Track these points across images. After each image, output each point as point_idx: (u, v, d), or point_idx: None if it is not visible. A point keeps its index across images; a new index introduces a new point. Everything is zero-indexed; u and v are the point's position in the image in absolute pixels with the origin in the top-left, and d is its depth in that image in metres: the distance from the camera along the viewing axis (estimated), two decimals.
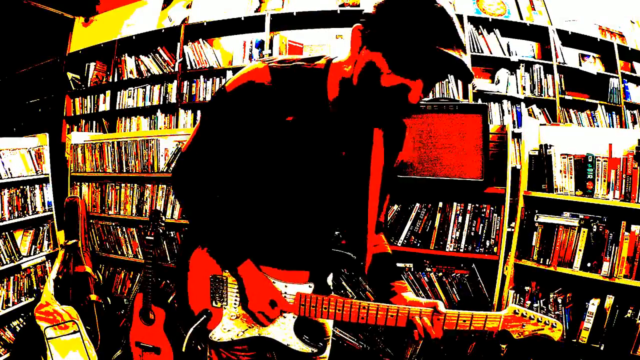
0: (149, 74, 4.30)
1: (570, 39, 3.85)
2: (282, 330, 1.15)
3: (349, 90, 0.97)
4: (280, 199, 1.10)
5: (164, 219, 2.59)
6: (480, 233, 2.24)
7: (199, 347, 2.71)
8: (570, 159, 2.11)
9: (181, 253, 1.23)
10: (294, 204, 1.11)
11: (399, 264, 2.39)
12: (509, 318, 1.08)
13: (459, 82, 3.68)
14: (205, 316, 1.18)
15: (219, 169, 1.10)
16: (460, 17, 3.66)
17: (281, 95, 1.00)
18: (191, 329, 1.17)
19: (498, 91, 3.68)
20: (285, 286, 1.14)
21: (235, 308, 1.17)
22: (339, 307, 1.09)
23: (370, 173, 1.14)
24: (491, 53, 3.70)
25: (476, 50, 3.66)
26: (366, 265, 1.19)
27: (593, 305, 2.00)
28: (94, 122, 4.63)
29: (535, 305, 2.15)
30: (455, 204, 2.28)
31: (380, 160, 1.14)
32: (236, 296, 1.16)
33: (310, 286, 1.13)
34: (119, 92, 4.47)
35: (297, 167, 1.07)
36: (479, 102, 3.56)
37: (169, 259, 2.86)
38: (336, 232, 1.39)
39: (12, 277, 2.87)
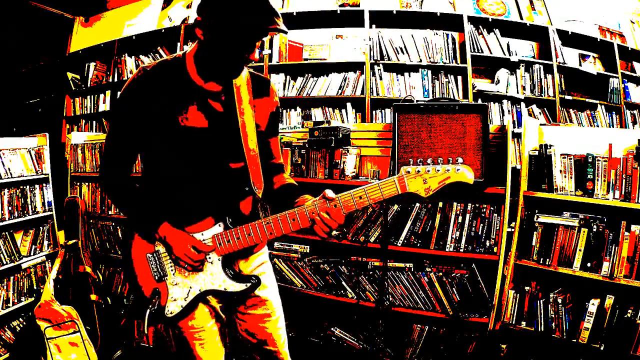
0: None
1: (570, 39, 3.85)
2: (215, 278, 1.30)
3: (200, 62, 1.27)
4: (176, 165, 1.30)
5: None
6: (480, 233, 2.24)
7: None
8: (570, 159, 2.11)
9: (122, 250, 1.39)
10: (188, 163, 1.30)
11: (399, 264, 2.40)
12: (401, 178, 1.19)
13: (459, 82, 3.69)
14: (156, 296, 1.30)
15: (127, 159, 1.36)
16: (460, 17, 3.67)
17: (153, 83, 1.26)
18: (147, 313, 1.29)
19: (498, 91, 3.68)
20: (202, 234, 1.30)
21: (174, 275, 1.32)
22: (247, 231, 1.26)
23: (240, 118, 1.32)
24: (491, 53, 3.70)
25: (476, 50, 3.66)
26: (258, 192, 1.36)
27: (593, 305, 2.00)
28: (94, 122, 4.62)
29: (535, 305, 2.15)
30: (455, 204, 2.28)
31: (249, 107, 1.33)
32: (171, 263, 1.32)
33: (219, 226, 1.29)
34: (119, 92, 4.46)
35: (185, 133, 1.27)
36: (479, 102, 3.56)
37: None
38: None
39: (12, 277, 2.87)
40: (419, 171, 1.18)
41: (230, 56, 1.21)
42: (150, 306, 1.29)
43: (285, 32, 1.16)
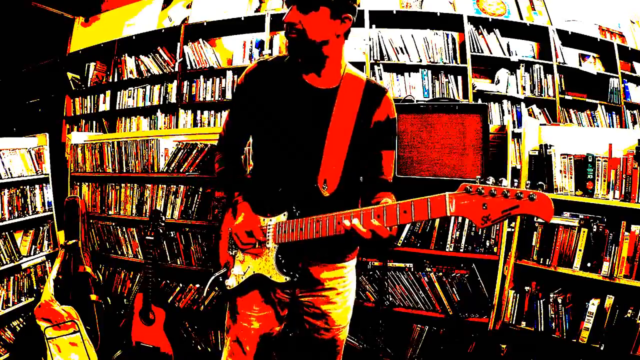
0: (149, 74, 4.30)
1: (570, 39, 3.85)
2: (267, 264, 1.35)
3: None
4: (267, 153, 1.40)
5: (164, 219, 2.59)
6: (480, 233, 2.24)
7: (199, 347, 2.71)
8: (570, 159, 2.11)
9: (218, 225, 1.51)
10: (274, 154, 1.38)
11: (399, 264, 2.40)
12: (459, 196, 0.97)
13: (459, 82, 3.69)
14: (226, 267, 1.43)
15: (238, 141, 1.49)
16: (460, 17, 3.67)
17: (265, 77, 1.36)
18: (211, 277, 1.42)
19: (498, 91, 3.68)
20: (270, 220, 1.35)
21: (241, 253, 1.41)
22: (300, 225, 1.27)
23: (333, 118, 1.32)
24: (491, 53, 3.70)
25: (476, 50, 3.66)
26: (324, 191, 1.34)
27: (593, 305, 2.00)
28: (94, 122, 4.63)
29: (535, 305, 2.15)
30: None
31: (349, 111, 1.33)
32: None
33: (284, 215, 1.33)
34: (119, 92, 4.47)
35: (286, 126, 1.34)
36: (479, 102, 3.56)
37: (169, 259, 2.86)
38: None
39: (12, 277, 2.87)
40: (480, 191, 0.94)
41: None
42: (216, 273, 1.43)
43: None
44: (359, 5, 1.30)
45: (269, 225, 1.35)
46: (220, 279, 1.43)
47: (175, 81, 4.12)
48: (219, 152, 1.52)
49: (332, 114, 1.32)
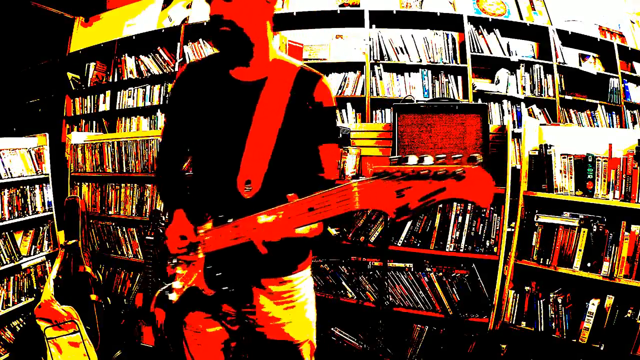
0: (149, 74, 4.30)
1: (570, 39, 3.85)
2: (200, 277, 1.23)
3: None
4: (196, 158, 1.32)
5: (164, 218, 2.59)
6: (480, 233, 2.24)
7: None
8: (570, 159, 2.11)
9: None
10: (203, 158, 1.30)
11: (399, 264, 2.40)
12: (367, 185, 0.81)
13: (459, 82, 3.69)
14: (170, 282, 1.31)
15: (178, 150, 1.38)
16: (460, 17, 3.67)
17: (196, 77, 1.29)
18: (157, 292, 1.33)
19: (498, 91, 3.68)
20: (203, 229, 1.24)
21: (179, 264, 1.31)
22: (220, 232, 1.17)
23: (258, 112, 1.19)
24: (491, 53, 3.70)
25: (476, 50, 3.66)
26: (244, 193, 1.20)
27: (593, 305, 2.00)
28: (94, 122, 4.62)
29: (535, 305, 2.15)
30: (455, 203, 2.28)
31: (277, 102, 1.19)
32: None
33: (210, 221, 1.22)
34: (119, 92, 4.47)
35: (211, 127, 1.25)
36: (479, 102, 3.56)
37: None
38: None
39: (12, 277, 2.87)
40: (392, 175, 0.77)
41: None
42: (161, 289, 1.32)
43: None
44: None
45: (199, 234, 1.24)
46: (167, 293, 1.30)
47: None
48: (157, 165, 1.40)
49: (256, 108, 1.19)
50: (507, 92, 3.68)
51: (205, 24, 4.02)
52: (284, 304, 1.28)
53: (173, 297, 1.29)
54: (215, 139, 1.24)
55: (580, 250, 2.04)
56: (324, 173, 1.23)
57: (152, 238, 2.55)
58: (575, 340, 2.03)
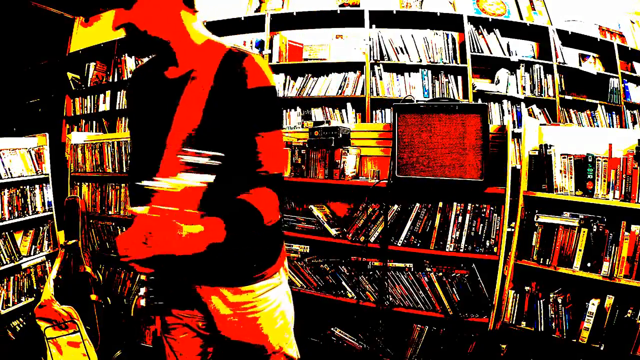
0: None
1: (570, 39, 3.85)
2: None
3: None
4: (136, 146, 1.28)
5: None
6: (480, 233, 2.24)
7: None
8: (570, 159, 2.11)
9: None
10: (137, 157, 1.26)
11: (399, 264, 2.40)
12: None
13: (459, 82, 3.69)
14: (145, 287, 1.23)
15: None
16: (460, 17, 3.67)
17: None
18: (136, 297, 1.23)
19: (498, 91, 3.68)
20: None
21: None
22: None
23: (177, 113, 1.08)
24: (491, 53, 3.70)
25: (476, 50, 3.66)
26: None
27: (593, 305, 2.00)
28: (94, 122, 4.63)
29: (535, 305, 2.15)
30: (455, 204, 2.28)
31: (202, 91, 1.07)
32: None
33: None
34: (119, 92, 4.47)
35: (141, 128, 1.23)
36: (479, 102, 3.56)
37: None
38: None
39: (12, 277, 2.87)
40: None
41: None
42: (140, 293, 1.24)
43: None
44: None
45: None
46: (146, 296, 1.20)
47: None
48: None
49: (179, 105, 1.09)
50: (507, 92, 3.68)
51: (204, 23, 4.02)
52: (246, 314, 1.18)
53: (143, 302, 1.21)
54: (141, 139, 1.22)
55: (580, 250, 2.04)
56: (262, 167, 1.07)
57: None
58: (575, 340, 2.03)
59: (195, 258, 1.01)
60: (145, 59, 1.29)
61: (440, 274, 2.32)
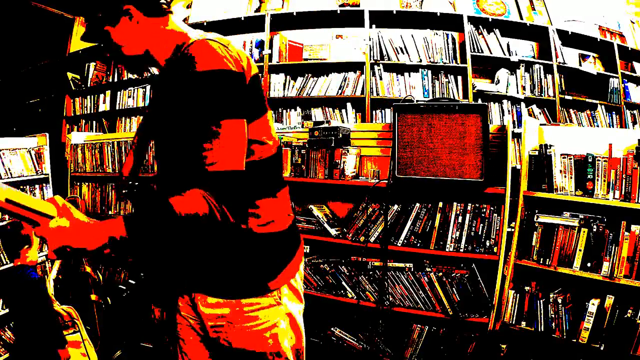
0: (149, 74, 4.30)
1: (570, 39, 3.85)
2: None
3: None
4: None
5: None
6: (480, 233, 2.24)
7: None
8: (570, 159, 2.11)
9: None
10: None
11: (399, 264, 2.40)
12: None
13: (459, 82, 3.69)
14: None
15: None
16: (460, 17, 3.67)
17: None
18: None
19: (498, 91, 3.68)
20: None
21: None
22: None
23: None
24: (491, 53, 3.70)
25: (476, 50, 3.66)
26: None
27: (593, 305, 2.00)
28: (94, 122, 4.63)
29: (535, 305, 2.15)
30: (455, 204, 2.28)
31: (164, 89, 1.09)
32: None
33: None
34: (119, 92, 4.47)
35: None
36: (479, 102, 3.56)
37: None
38: None
39: None
40: None
41: None
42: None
43: None
44: None
45: None
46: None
47: None
48: None
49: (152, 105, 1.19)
50: (507, 92, 3.68)
51: (205, 24, 4.03)
52: (229, 327, 1.10)
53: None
54: None
55: (580, 250, 2.04)
56: (208, 164, 0.92)
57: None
58: (575, 340, 2.03)
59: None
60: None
61: (440, 274, 2.32)
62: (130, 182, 1.15)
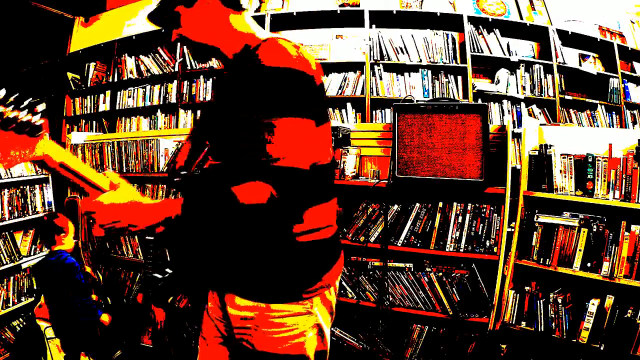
0: (149, 74, 4.30)
1: (570, 39, 3.85)
2: None
3: None
4: None
5: None
6: (480, 233, 2.24)
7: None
8: (570, 159, 2.11)
9: None
10: None
11: (399, 264, 2.40)
12: None
13: (459, 82, 3.69)
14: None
15: None
16: (460, 17, 3.67)
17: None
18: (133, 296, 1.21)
19: (498, 91, 3.68)
20: None
21: None
22: None
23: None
24: (491, 53, 3.70)
25: (476, 50, 3.66)
26: None
27: (593, 305, 2.00)
28: (94, 122, 4.62)
29: (535, 305, 2.15)
30: (455, 204, 2.28)
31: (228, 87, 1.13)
32: None
33: None
34: (119, 92, 4.47)
35: None
36: (479, 102, 3.56)
37: (169, 258, 2.86)
38: None
39: (12, 277, 2.87)
40: None
41: None
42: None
43: None
44: None
45: None
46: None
47: (175, 81, 4.12)
48: None
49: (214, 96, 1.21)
50: (507, 92, 3.68)
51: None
52: (255, 330, 1.07)
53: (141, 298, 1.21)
54: None
55: (580, 250, 2.04)
56: (269, 158, 0.92)
57: (152, 238, 2.55)
58: (575, 340, 2.03)
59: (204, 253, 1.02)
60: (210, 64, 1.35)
61: (440, 274, 2.32)
62: (183, 172, 1.14)
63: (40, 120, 0.86)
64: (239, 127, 1.00)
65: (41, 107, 0.88)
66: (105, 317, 2.46)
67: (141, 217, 0.87)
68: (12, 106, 0.81)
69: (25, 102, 0.85)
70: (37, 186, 3.10)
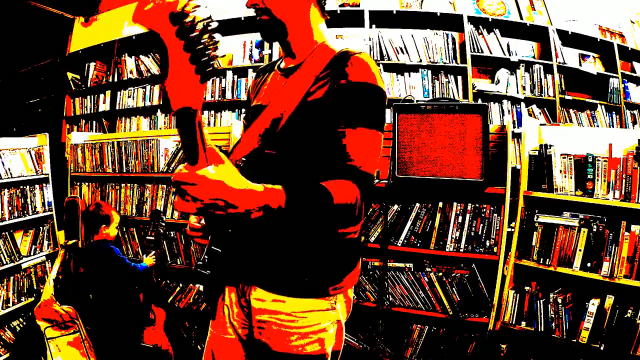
0: (149, 74, 4.30)
1: (570, 39, 3.85)
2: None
3: None
4: None
5: (164, 218, 2.59)
6: (480, 233, 2.24)
7: (199, 347, 2.71)
8: (570, 159, 2.11)
9: None
10: None
11: (399, 264, 2.40)
12: None
13: (459, 82, 3.69)
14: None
15: None
16: (460, 17, 3.67)
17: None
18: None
19: (498, 91, 3.68)
20: None
21: None
22: None
23: (274, 99, 1.17)
24: (491, 53, 3.70)
25: (476, 50, 3.66)
26: None
27: (593, 305, 2.00)
28: (94, 122, 4.63)
29: (535, 305, 2.15)
30: (455, 204, 2.28)
31: (298, 87, 1.14)
32: None
33: None
34: (119, 92, 4.47)
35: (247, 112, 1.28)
36: (479, 102, 3.56)
37: (169, 258, 2.86)
38: None
39: (12, 277, 2.87)
40: None
41: None
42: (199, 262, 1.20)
43: None
44: None
45: None
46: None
47: None
48: None
49: (281, 89, 1.14)
50: (507, 92, 3.68)
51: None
52: (277, 325, 1.08)
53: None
54: (245, 120, 1.28)
55: (580, 250, 2.04)
56: (351, 162, 0.99)
57: (153, 238, 2.55)
58: (575, 340, 2.03)
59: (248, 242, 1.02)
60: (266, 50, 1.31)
61: (440, 274, 2.32)
62: (240, 165, 1.12)
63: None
64: (319, 133, 1.05)
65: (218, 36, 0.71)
66: (150, 260, 2.63)
67: (244, 200, 0.82)
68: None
69: (212, 25, 0.70)
70: (37, 186, 3.10)
